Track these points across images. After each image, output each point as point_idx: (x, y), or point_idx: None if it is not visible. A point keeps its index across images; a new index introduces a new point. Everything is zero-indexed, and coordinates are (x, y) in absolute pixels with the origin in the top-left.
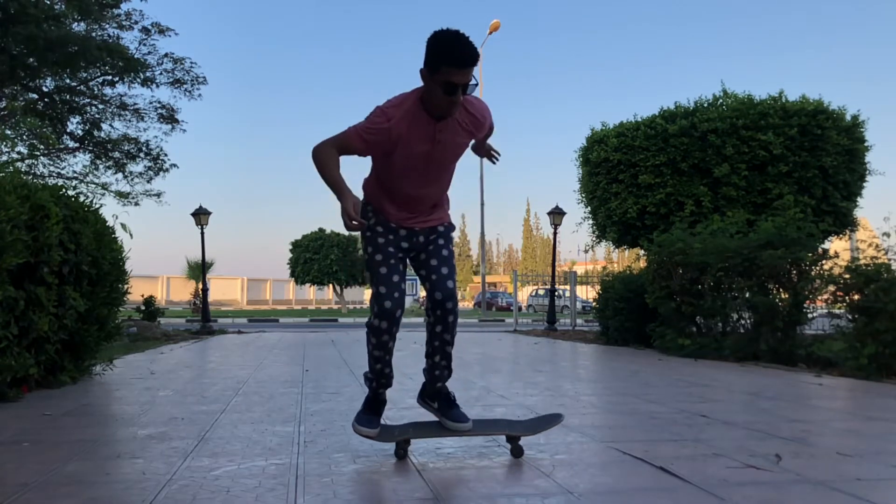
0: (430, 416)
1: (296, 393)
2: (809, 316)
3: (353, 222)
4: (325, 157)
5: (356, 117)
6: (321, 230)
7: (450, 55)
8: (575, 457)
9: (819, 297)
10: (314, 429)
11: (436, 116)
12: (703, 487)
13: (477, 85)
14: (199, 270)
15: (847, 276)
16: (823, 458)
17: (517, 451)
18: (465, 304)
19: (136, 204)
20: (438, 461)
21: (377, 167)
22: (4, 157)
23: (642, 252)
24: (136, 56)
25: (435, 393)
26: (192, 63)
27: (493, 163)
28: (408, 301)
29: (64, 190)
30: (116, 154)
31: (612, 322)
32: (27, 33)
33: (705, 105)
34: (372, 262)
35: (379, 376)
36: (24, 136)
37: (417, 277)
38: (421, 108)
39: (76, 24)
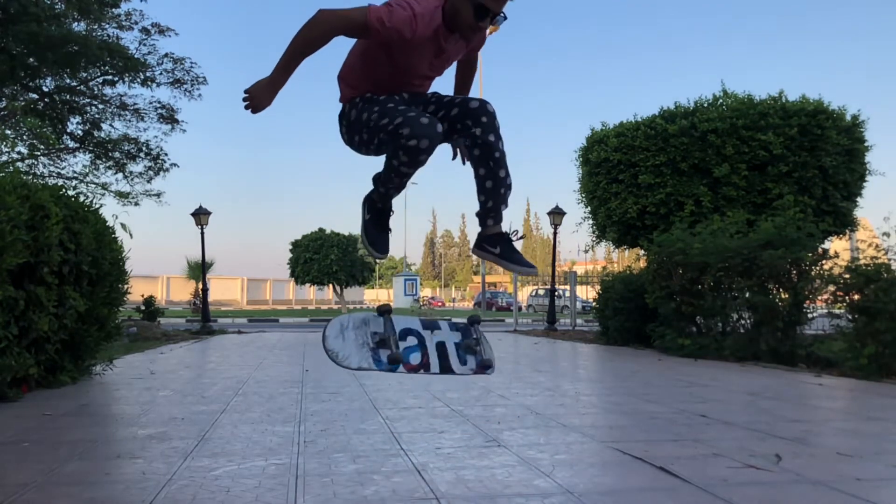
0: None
1: (296, 393)
2: (809, 316)
3: (250, 103)
4: (319, 36)
5: None
6: (321, 230)
7: None
8: (575, 457)
9: (819, 297)
10: (314, 429)
11: (450, 27)
12: (703, 487)
13: (506, 19)
14: (199, 270)
15: (847, 276)
16: (823, 458)
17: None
18: (465, 303)
19: (136, 204)
20: (438, 461)
21: (363, 64)
22: (4, 157)
23: (642, 252)
24: (136, 56)
25: (494, 236)
26: (192, 63)
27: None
28: (407, 301)
29: (64, 190)
30: (116, 154)
31: (612, 322)
32: (29, 31)
33: (705, 105)
34: (385, 109)
35: (399, 184)
36: (24, 136)
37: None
38: (440, 14)
39: (76, 23)
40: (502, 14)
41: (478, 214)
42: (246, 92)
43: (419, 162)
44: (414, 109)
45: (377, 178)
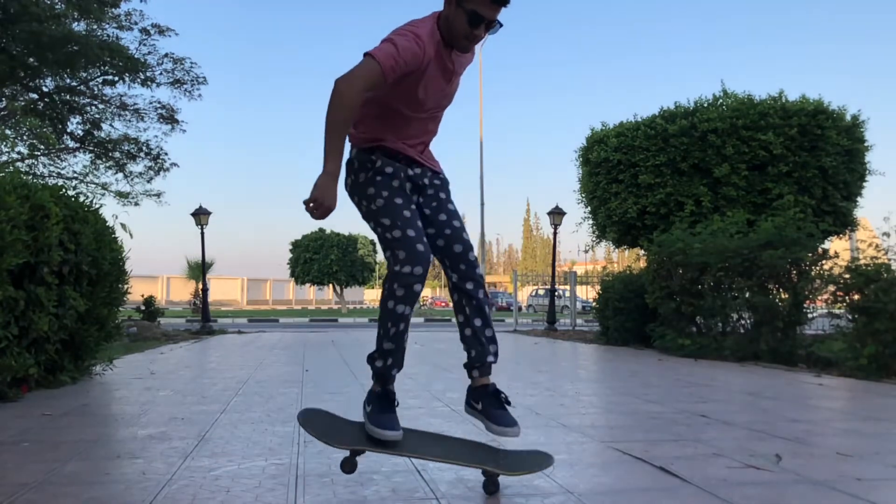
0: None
1: (296, 393)
2: (809, 316)
3: (319, 210)
4: (349, 108)
5: None
6: (321, 230)
7: None
8: (575, 457)
9: (819, 297)
10: None
11: (448, 44)
12: (703, 487)
13: (502, 26)
14: (199, 270)
15: (847, 276)
16: (823, 458)
17: (491, 486)
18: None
19: (136, 204)
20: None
21: (374, 102)
22: (4, 157)
23: (642, 252)
24: (136, 56)
25: (479, 389)
26: (192, 63)
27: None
28: None
29: (64, 190)
30: (117, 154)
31: (612, 322)
32: (30, 30)
33: (705, 105)
34: (391, 207)
35: (398, 344)
36: (24, 136)
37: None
38: (439, 33)
39: (76, 23)
40: (497, 22)
41: (465, 365)
42: (310, 202)
43: (413, 293)
44: (414, 224)
45: (372, 356)
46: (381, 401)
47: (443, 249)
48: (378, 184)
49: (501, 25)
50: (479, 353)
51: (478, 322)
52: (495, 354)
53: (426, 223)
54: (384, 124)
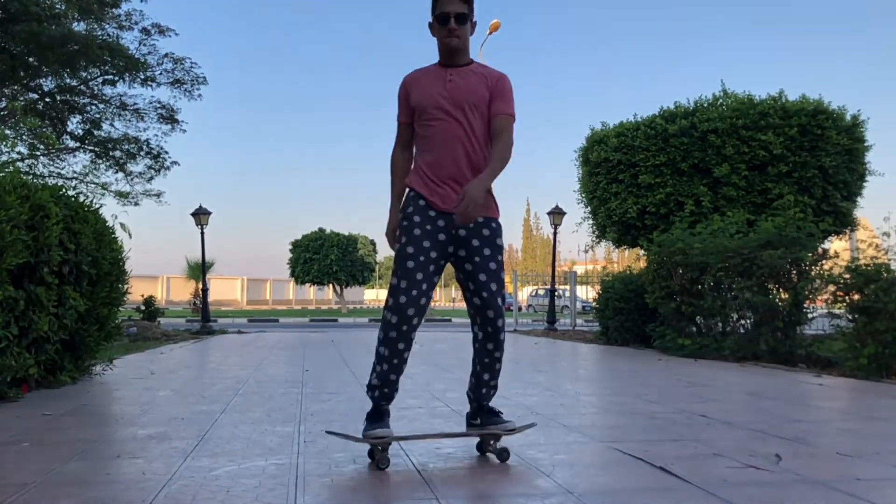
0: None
1: (296, 393)
2: (809, 316)
3: (393, 241)
4: (392, 164)
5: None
6: (321, 230)
7: None
8: (575, 457)
9: (819, 297)
10: (314, 429)
11: (446, 64)
12: (703, 487)
13: (475, 24)
14: (199, 270)
15: (847, 276)
16: (823, 458)
17: (503, 454)
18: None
19: (136, 204)
20: (438, 461)
21: (416, 134)
22: (4, 157)
23: (642, 252)
24: (136, 56)
25: (477, 410)
26: (192, 63)
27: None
28: None
29: (64, 190)
30: (117, 153)
31: (612, 322)
32: (29, 30)
33: (705, 105)
34: (402, 253)
35: (383, 381)
36: (24, 136)
37: (458, 283)
38: (437, 66)
39: (76, 23)
40: (474, 19)
41: (467, 394)
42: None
43: (390, 340)
44: (411, 276)
45: (366, 385)
46: (372, 416)
47: (478, 308)
48: (406, 231)
49: (475, 22)
50: (477, 397)
51: (486, 376)
52: (492, 396)
53: (467, 277)
54: (426, 154)
